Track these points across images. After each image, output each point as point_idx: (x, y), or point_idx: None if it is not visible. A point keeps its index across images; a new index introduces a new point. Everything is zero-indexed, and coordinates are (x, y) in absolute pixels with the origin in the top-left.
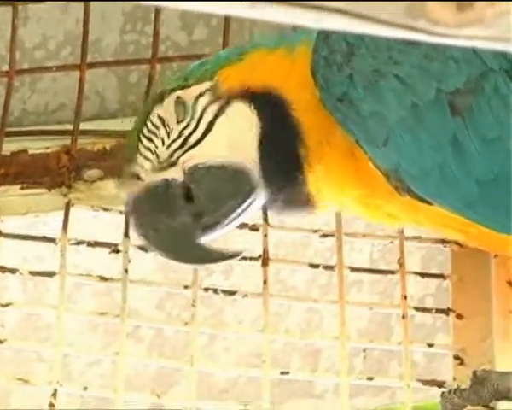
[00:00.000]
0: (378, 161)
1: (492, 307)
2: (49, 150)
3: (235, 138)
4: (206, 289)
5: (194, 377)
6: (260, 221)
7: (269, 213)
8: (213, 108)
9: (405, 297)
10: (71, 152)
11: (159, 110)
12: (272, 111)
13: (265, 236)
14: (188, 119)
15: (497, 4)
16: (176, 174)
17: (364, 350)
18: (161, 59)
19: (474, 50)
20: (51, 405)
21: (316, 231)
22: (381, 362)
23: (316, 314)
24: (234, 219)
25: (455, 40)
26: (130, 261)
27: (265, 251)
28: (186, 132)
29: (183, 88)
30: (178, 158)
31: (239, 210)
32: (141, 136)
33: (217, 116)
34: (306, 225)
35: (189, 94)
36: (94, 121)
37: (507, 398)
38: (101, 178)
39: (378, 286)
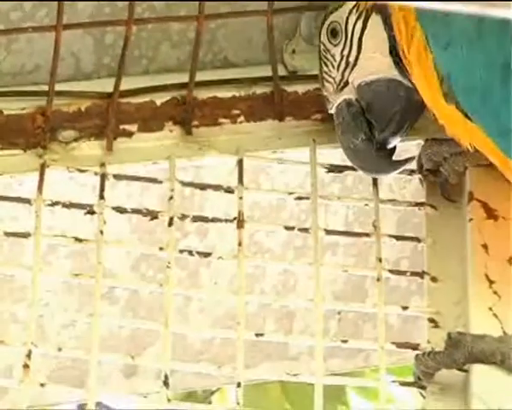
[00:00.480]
0: (437, 63)
1: (467, 271)
2: (24, 111)
3: (380, 50)
4: (182, 251)
5: (169, 339)
6: (235, 183)
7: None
8: (359, 25)
9: (380, 260)
10: (46, 113)
11: (322, 35)
12: (388, 21)
13: (240, 198)
14: (343, 40)
15: None
16: (350, 94)
17: (339, 313)
18: (137, 20)
19: None
20: (26, 365)
21: (291, 194)
22: (355, 324)
23: (291, 276)
24: (405, 124)
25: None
26: (105, 223)
27: (240, 213)
28: (345, 53)
29: (337, 9)
30: (348, 78)
31: (406, 115)
32: (321, 62)
33: (362, 32)
34: (281, 188)
35: (340, 15)
36: (69, 82)
37: (481, 361)
38: (76, 140)
39: (353, 249)
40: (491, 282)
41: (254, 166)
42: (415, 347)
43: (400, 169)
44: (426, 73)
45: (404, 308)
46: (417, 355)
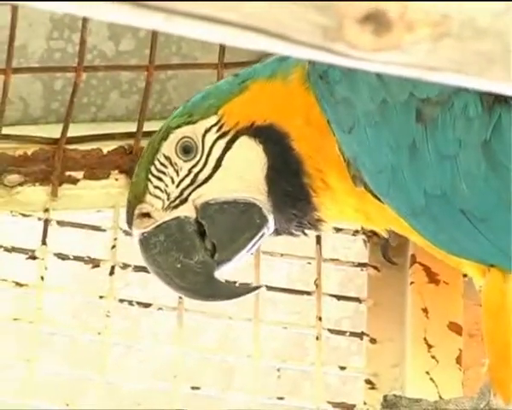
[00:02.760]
0: (342, 147)
1: (406, 334)
2: None
3: (244, 173)
4: (122, 301)
5: (106, 388)
6: None
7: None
8: (221, 144)
9: (320, 318)
10: None
11: (165, 149)
12: (275, 143)
13: None
14: (197, 156)
15: (415, 31)
16: (187, 212)
17: (278, 370)
18: (87, 67)
19: None
20: None
21: None
22: (294, 382)
23: (231, 331)
24: (246, 251)
25: (371, 65)
26: (46, 268)
27: None
28: (195, 170)
29: (188, 124)
30: (189, 195)
31: (251, 243)
32: (149, 175)
33: (225, 152)
34: None
35: (195, 130)
36: (17, 126)
37: None
38: (21, 184)
39: (295, 306)
40: (429, 346)
41: None
42: (350, 407)
43: (238, 297)
44: (337, 165)
45: (342, 368)
46: None
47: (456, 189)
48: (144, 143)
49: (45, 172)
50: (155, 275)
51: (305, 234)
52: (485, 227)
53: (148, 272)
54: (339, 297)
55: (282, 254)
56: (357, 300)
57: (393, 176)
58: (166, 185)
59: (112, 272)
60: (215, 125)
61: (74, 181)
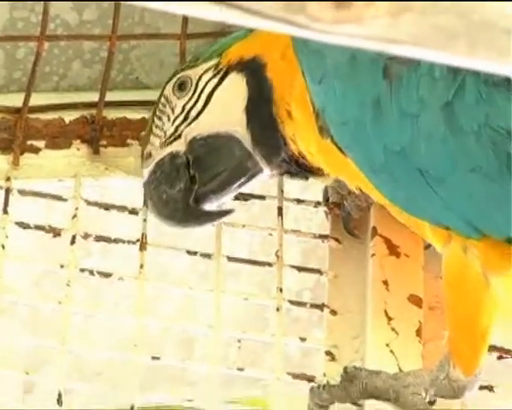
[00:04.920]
0: (312, 97)
1: (366, 306)
2: None
3: (228, 107)
4: (82, 270)
5: (65, 357)
6: (140, 205)
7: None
8: (213, 82)
9: (281, 290)
10: None
11: (166, 90)
12: (254, 74)
13: (145, 220)
14: (189, 93)
15: (374, 5)
16: (179, 147)
17: (239, 340)
18: (49, 37)
19: None
20: None
21: None
22: (255, 353)
23: (192, 301)
24: (229, 186)
25: (333, 37)
26: (7, 237)
27: (144, 236)
28: (188, 106)
29: (191, 67)
30: (182, 131)
31: (232, 175)
32: (154, 117)
33: (215, 88)
34: None
35: (194, 71)
36: None
37: (375, 397)
38: None
39: (256, 277)
40: (389, 318)
41: None
42: (310, 379)
43: (212, 222)
44: (304, 110)
45: (303, 340)
46: (312, 388)
47: (415, 147)
48: (106, 112)
49: (7, 140)
50: (150, 208)
51: (307, 178)
52: (442, 188)
53: (108, 241)
54: (300, 269)
55: (243, 225)
56: (318, 271)
57: (356, 129)
58: (163, 124)
59: (73, 242)
60: (214, 66)
61: (36, 150)
